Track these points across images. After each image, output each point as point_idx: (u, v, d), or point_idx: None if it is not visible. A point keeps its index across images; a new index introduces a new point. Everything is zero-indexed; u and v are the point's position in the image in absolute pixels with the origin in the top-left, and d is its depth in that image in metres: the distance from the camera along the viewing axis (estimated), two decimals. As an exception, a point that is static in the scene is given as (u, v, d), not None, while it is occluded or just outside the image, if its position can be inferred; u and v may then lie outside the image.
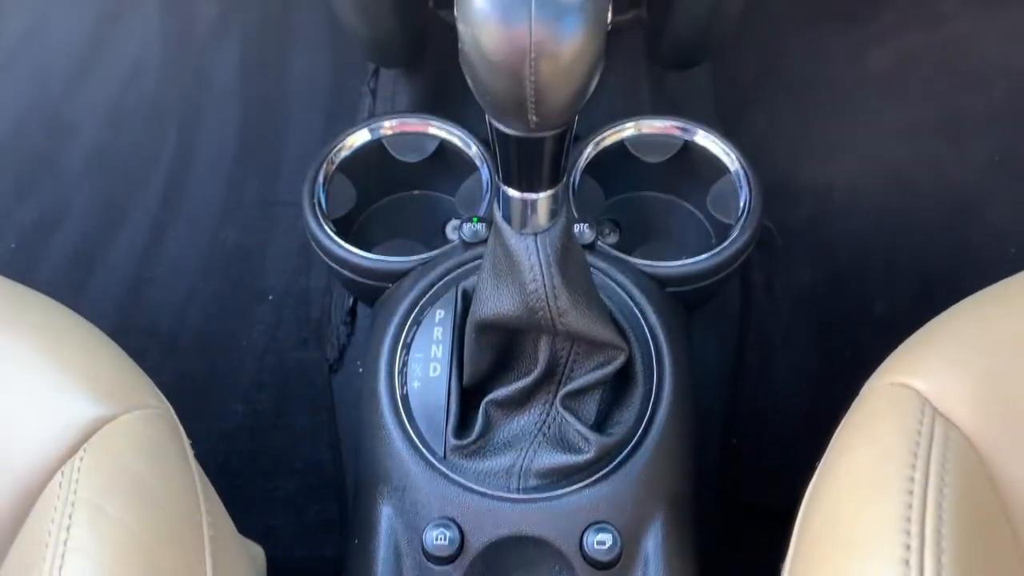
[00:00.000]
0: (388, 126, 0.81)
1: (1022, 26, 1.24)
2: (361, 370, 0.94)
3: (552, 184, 0.53)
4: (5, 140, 1.21)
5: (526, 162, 0.52)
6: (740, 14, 0.84)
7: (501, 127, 0.49)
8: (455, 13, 0.46)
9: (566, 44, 0.44)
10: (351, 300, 0.99)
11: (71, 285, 1.06)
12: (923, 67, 1.22)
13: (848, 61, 1.22)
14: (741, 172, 0.77)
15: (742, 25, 0.88)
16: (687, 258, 0.74)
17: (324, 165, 0.78)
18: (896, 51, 1.24)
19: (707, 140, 0.79)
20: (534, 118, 0.47)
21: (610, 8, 0.46)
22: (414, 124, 0.81)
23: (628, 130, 0.80)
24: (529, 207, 0.54)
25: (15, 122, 1.23)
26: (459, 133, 0.80)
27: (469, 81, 0.47)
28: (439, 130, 0.80)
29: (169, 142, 1.19)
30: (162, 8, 1.31)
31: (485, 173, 0.78)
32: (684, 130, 0.79)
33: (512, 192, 0.54)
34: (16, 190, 1.16)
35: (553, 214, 0.55)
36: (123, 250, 1.09)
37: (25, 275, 0.62)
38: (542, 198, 0.54)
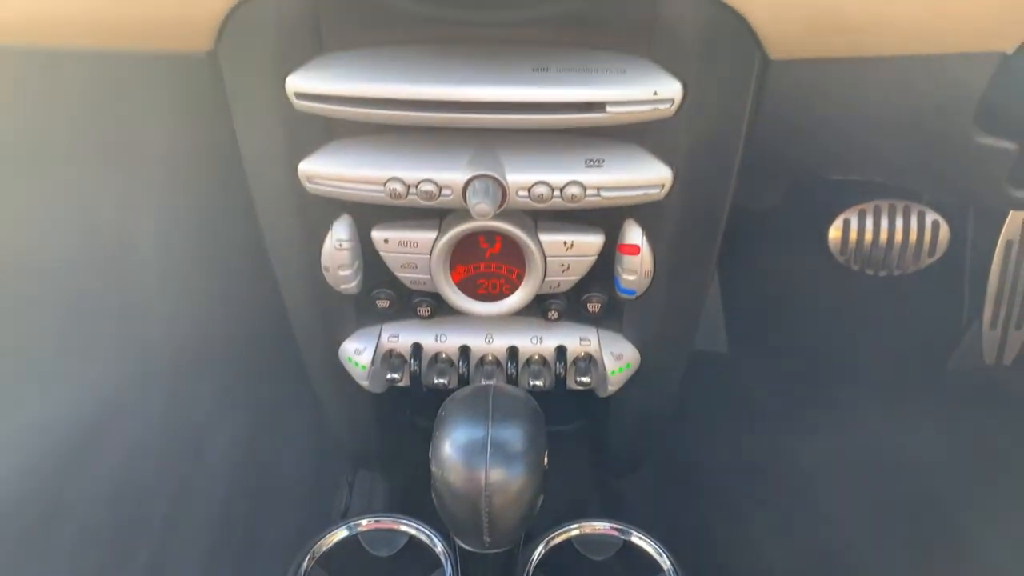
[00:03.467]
0: (364, 524, 0.92)
1: (921, 424, 1.43)
2: None
3: (503, 590, 0.65)
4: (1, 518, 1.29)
5: (481, 572, 0.63)
6: (663, 430, 1.01)
7: (461, 543, 0.62)
8: (430, 456, 0.61)
9: (513, 483, 0.58)
10: None
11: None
12: (841, 461, 1.39)
13: (775, 456, 1.39)
14: (672, 570, 0.88)
15: (678, 429, 1.05)
16: None
17: (306, 560, 0.89)
18: (817, 447, 1.41)
19: (642, 541, 0.91)
20: (487, 539, 0.60)
21: (545, 454, 0.62)
22: (387, 522, 0.93)
23: (574, 531, 0.92)
24: (484, 609, 0.65)
25: (15, 501, 1.32)
26: (427, 531, 0.91)
27: (437, 507, 0.61)
28: (409, 527, 0.92)
29: (155, 520, 1.28)
30: (165, 394, 1.47)
31: (449, 570, 0.89)
32: (622, 531, 0.92)
33: (469, 596, 0.65)
34: (1, 569, 1.22)
35: (504, 615, 0.66)
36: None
37: None
38: (494, 602, 0.65)
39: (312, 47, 0.69)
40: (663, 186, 0.74)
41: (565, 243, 0.79)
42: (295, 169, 0.74)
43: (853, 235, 1.41)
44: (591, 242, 0.80)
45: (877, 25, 0.68)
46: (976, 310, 1.51)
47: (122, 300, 1.54)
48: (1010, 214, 1.33)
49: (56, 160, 0.97)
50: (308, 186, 0.75)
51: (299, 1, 0.67)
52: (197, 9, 0.68)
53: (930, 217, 1.39)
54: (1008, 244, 1.44)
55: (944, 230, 1.39)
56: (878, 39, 0.70)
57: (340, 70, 0.69)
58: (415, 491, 1.07)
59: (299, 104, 0.70)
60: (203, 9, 0.68)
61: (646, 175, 0.74)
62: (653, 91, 0.69)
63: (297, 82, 0.69)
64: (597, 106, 0.69)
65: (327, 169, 0.74)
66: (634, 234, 0.79)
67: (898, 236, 1.40)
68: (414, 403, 1.15)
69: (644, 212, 0.78)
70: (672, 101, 0.69)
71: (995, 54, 0.73)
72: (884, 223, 1.40)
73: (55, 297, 1.46)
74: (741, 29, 0.68)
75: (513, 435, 0.60)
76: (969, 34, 0.70)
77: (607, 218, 0.79)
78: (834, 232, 1.41)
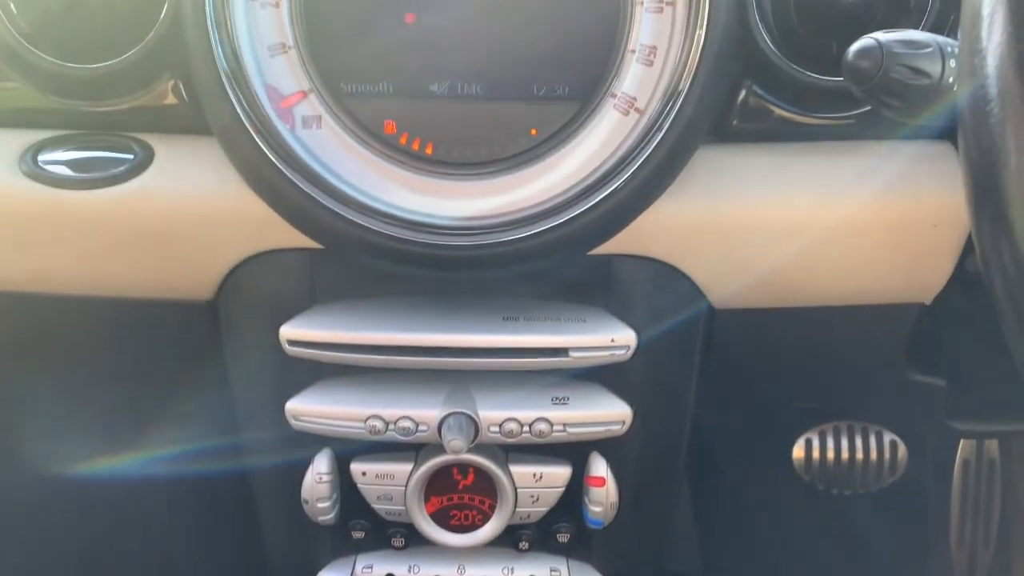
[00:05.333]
0: None
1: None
2: None
3: None
4: None
5: None
6: None
7: None
8: None
9: None
10: None
11: None
12: None
13: None
14: None
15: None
16: None
17: None
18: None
19: None
20: None
21: None
22: None
23: None
24: None
25: None
26: None
27: None
28: None
29: None
30: None
31: None
32: None
33: None
34: None
35: None
36: None
37: None
38: None
39: (305, 300, 0.77)
40: (624, 422, 0.80)
41: (535, 475, 0.84)
42: (283, 407, 0.80)
43: (816, 454, 1.45)
44: (559, 474, 0.84)
45: (804, 286, 0.77)
46: (943, 529, 1.53)
47: (92, 526, 1.53)
48: (961, 441, 1.39)
49: (44, 394, 1.01)
50: (294, 423, 0.80)
51: (295, 263, 0.75)
52: (201, 269, 0.76)
53: (888, 437, 1.44)
54: (966, 464, 1.49)
55: (902, 450, 1.44)
56: (807, 296, 0.79)
57: (331, 319, 0.76)
58: None
59: (291, 350, 0.76)
60: (207, 269, 0.76)
61: (607, 412, 0.80)
62: (610, 338, 0.76)
63: (290, 331, 0.76)
64: (561, 351, 0.76)
65: (313, 407, 0.79)
66: (599, 467, 0.84)
67: (858, 455, 1.44)
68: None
69: (608, 446, 0.83)
70: (628, 347, 0.77)
71: (915, 304, 0.82)
72: (844, 443, 1.44)
73: (24, 522, 1.45)
74: (686, 285, 0.77)
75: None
76: (888, 291, 0.80)
77: (574, 451, 0.84)
78: (797, 451, 1.45)
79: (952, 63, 0.57)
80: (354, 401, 0.79)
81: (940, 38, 0.58)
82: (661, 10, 0.68)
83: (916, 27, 0.72)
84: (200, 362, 0.87)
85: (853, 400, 1.05)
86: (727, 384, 0.94)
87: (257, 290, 0.77)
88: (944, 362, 0.91)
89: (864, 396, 1.00)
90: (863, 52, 0.57)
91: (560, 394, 0.80)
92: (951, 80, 0.57)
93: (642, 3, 0.68)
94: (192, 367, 0.90)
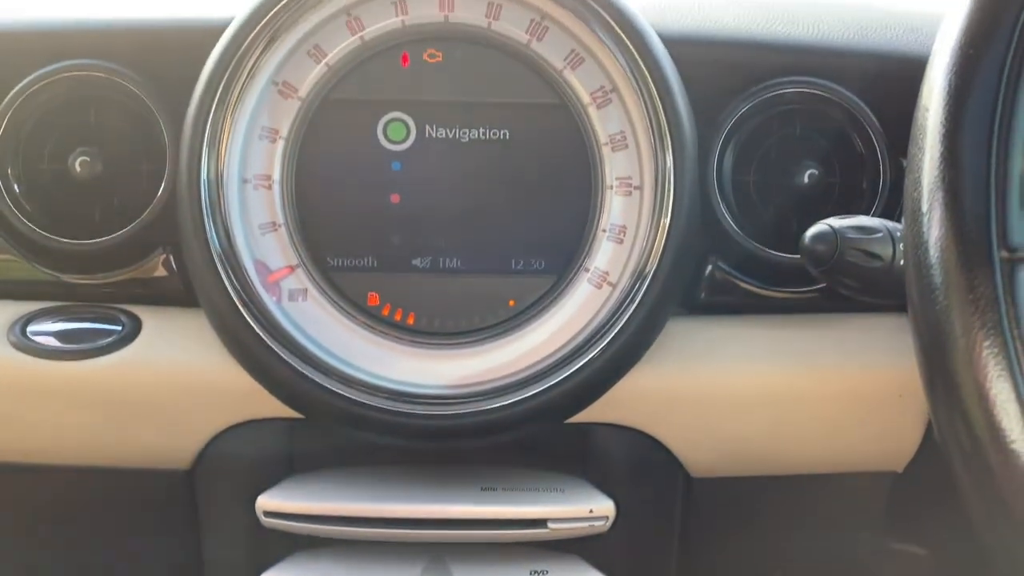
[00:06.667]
0: None
1: None
2: None
3: None
4: None
5: None
6: None
7: None
8: None
9: None
10: None
11: None
12: None
13: None
14: None
15: None
16: None
17: None
18: None
19: None
20: None
21: None
22: None
23: None
24: None
25: None
26: None
27: None
28: None
29: None
30: None
31: None
32: None
33: None
34: None
35: None
36: None
37: None
38: None
39: (283, 471, 0.77)
40: None
41: None
42: None
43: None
44: None
45: (776, 456, 0.79)
46: None
47: None
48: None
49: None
50: None
51: (275, 432, 0.76)
52: (182, 439, 0.76)
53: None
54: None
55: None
56: (781, 465, 0.80)
57: (307, 490, 0.76)
58: None
59: (267, 521, 0.75)
60: (187, 439, 0.76)
61: None
62: (589, 509, 0.76)
63: (267, 502, 0.75)
64: (540, 522, 0.76)
65: None
66: (579, 645, 0.81)
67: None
68: None
69: None
70: (606, 518, 0.77)
71: (888, 472, 0.83)
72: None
73: None
74: (662, 453, 0.78)
75: None
76: (860, 460, 0.81)
77: None
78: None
79: (902, 246, 0.61)
80: None
81: (890, 224, 0.63)
82: (629, 193, 0.73)
83: (869, 207, 0.77)
84: (174, 531, 0.85)
85: (836, 567, 1.04)
86: (708, 551, 0.93)
87: (235, 460, 0.77)
88: (923, 530, 0.91)
89: (846, 563, 0.99)
90: (819, 237, 0.61)
91: (539, 567, 0.79)
92: (902, 262, 0.60)
93: (612, 187, 0.73)
94: (165, 536, 0.88)
